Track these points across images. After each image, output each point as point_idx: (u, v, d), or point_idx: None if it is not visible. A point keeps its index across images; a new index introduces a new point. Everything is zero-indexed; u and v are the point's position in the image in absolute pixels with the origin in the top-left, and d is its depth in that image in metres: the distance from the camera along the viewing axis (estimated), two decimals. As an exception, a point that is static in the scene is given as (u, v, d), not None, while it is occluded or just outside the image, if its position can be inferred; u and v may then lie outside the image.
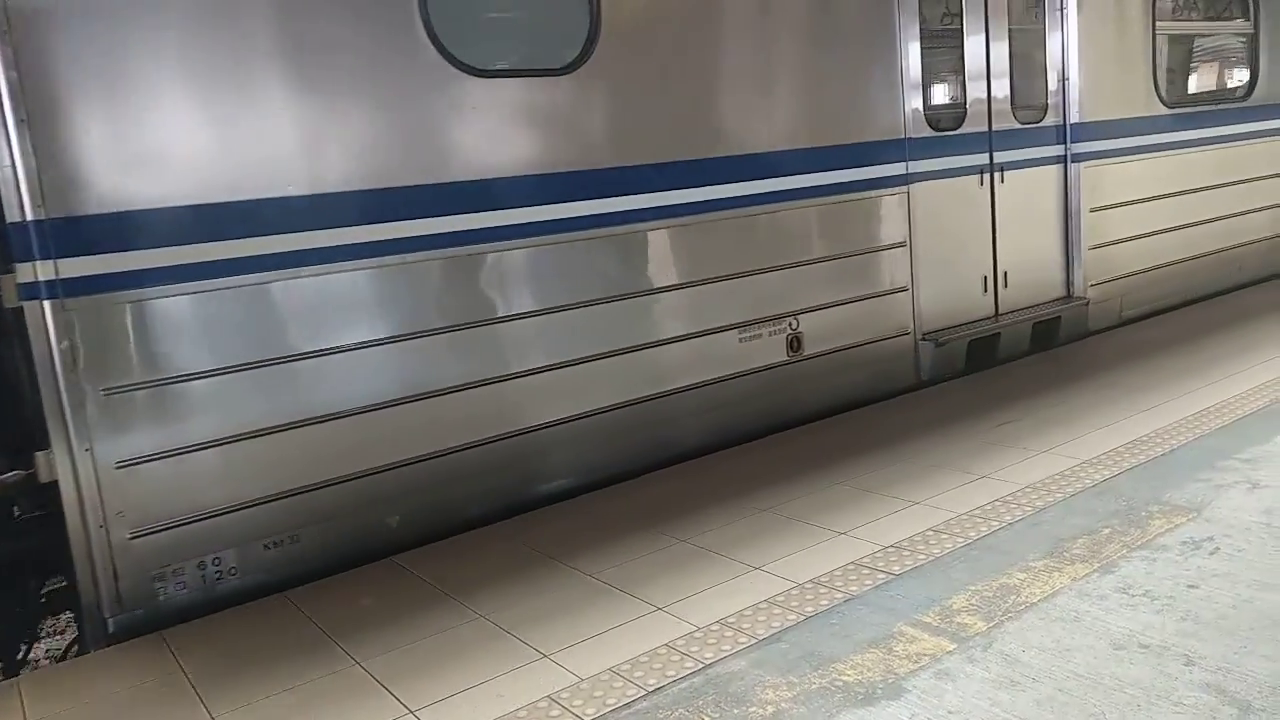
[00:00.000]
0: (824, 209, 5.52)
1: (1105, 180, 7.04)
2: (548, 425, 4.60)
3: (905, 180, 5.87)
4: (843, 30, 5.55)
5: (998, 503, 4.04)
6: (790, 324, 5.39)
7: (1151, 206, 7.40)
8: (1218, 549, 3.39)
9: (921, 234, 5.98)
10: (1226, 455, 4.29)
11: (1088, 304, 6.97)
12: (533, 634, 3.28)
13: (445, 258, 4.26)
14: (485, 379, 4.40)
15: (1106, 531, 3.63)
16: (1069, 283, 7.00)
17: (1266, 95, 8.40)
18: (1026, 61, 6.81)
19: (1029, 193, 6.69)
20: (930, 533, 3.80)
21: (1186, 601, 3.05)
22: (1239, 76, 8.46)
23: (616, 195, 4.72)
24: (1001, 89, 6.43)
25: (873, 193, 5.73)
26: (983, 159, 6.37)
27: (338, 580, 3.93)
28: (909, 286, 5.97)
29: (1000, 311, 6.58)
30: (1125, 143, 7.16)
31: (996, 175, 6.43)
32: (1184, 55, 8.60)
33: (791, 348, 5.41)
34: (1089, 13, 6.81)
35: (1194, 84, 8.84)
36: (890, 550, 3.67)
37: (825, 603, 3.29)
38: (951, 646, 2.91)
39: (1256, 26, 8.26)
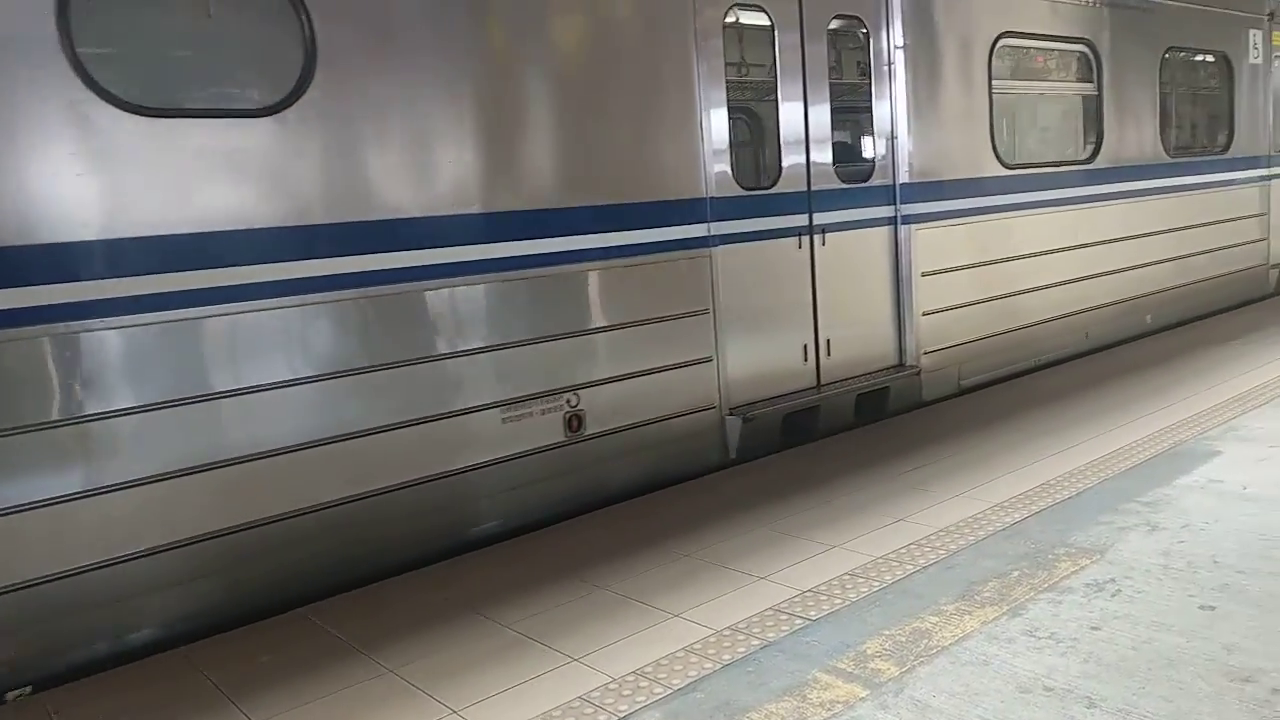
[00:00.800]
0: (603, 272, 4.97)
1: (940, 243, 6.70)
2: (182, 543, 3.80)
3: (707, 242, 5.38)
4: (627, 81, 5.03)
5: (913, 546, 4.10)
6: (569, 400, 4.82)
7: (991, 270, 7.10)
8: (1119, 591, 3.49)
9: (729, 300, 5.51)
10: (1128, 498, 4.44)
11: (919, 373, 6.59)
12: (443, 689, 3.20)
13: (75, 331, 3.50)
14: (108, 486, 3.63)
15: (1016, 574, 3.71)
16: (901, 350, 6.60)
17: (1113, 158, 8.21)
18: (851, 118, 6.62)
19: (855, 256, 6.28)
20: (847, 576, 3.83)
21: (1089, 643, 3.12)
22: (1085, 139, 8.36)
23: (332, 256, 4.07)
24: (822, 146, 6.02)
25: (665, 255, 5.20)
26: (801, 220, 5.91)
27: (240, 634, 3.78)
28: (713, 357, 5.46)
29: (823, 382, 6.13)
30: (961, 204, 6.82)
31: (817, 237, 5.99)
32: (1027, 116, 8.55)
33: (570, 427, 4.84)
34: (918, 70, 6.51)
35: (1037, 145, 8.72)
36: (808, 595, 3.69)
37: (742, 650, 3.28)
38: (864, 693, 2.93)
39: (1100, 88, 8.09)
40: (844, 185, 6.21)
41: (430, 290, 4.40)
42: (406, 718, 3.03)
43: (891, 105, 6.43)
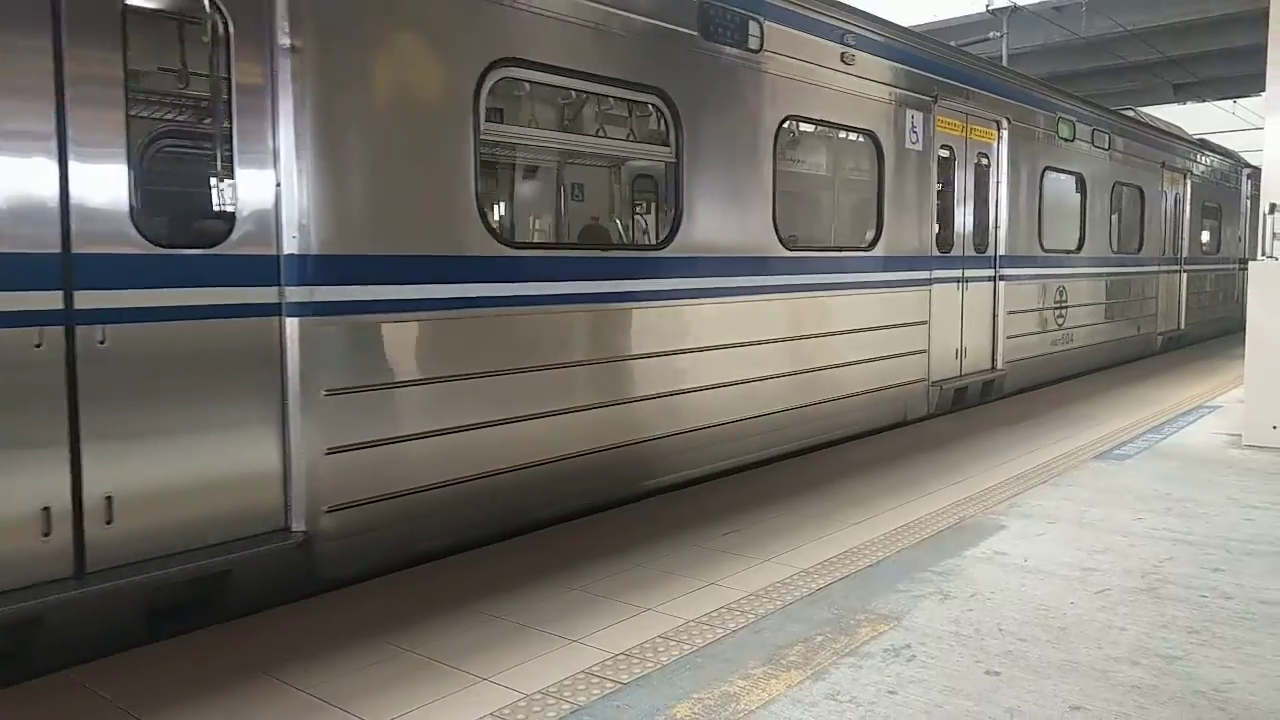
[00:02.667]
0: None
1: (372, 347, 4.58)
2: None
3: None
4: None
5: (723, 610, 4.16)
6: None
7: (473, 388, 4.95)
8: (914, 656, 3.66)
9: None
10: (923, 568, 4.68)
11: (312, 541, 4.31)
12: (228, 757, 2.95)
13: None
14: None
15: (820, 639, 3.82)
16: (287, 508, 4.30)
17: (694, 246, 6.29)
18: (200, 143, 4.53)
19: (182, 364, 3.98)
20: (659, 639, 3.84)
21: (886, 707, 3.24)
22: (659, 219, 6.48)
23: None
24: (103, 177, 3.75)
25: None
26: (47, 301, 3.62)
27: (-7, 699, 3.37)
28: None
29: (90, 568, 3.73)
30: (415, 292, 4.71)
31: (84, 329, 3.70)
32: (566, 182, 6.73)
33: None
34: (323, 87, 4.32)
35: (579, 223, 6.85)
36: (620, 658, 3.67)
37: (553, 714, 3.21)
38: (673, 758, 2.91)
39: (679, 156, 6.15)
40: (161, 250, 3.93)
41: None
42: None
43: (273, 132, 4.22)
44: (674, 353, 6.19)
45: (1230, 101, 31.37)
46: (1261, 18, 8.24)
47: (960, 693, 3.35)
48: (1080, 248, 12.22)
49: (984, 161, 10.09)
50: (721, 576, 4.59)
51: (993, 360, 10.22)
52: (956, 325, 9.47)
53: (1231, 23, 23.55)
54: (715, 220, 6.50)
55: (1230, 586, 4.41)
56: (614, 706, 3.26)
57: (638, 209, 7.18)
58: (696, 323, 6.38)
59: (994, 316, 10.20)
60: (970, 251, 9.84)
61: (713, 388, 6.48)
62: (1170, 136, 15.93)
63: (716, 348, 6.52)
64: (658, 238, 6.39)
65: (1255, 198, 19.79)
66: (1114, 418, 9.12)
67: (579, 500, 5.67)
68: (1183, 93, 30.64)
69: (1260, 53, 8.35)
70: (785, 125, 7.13)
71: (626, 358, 5.89)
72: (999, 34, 21.85)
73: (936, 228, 9.02)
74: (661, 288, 6.10)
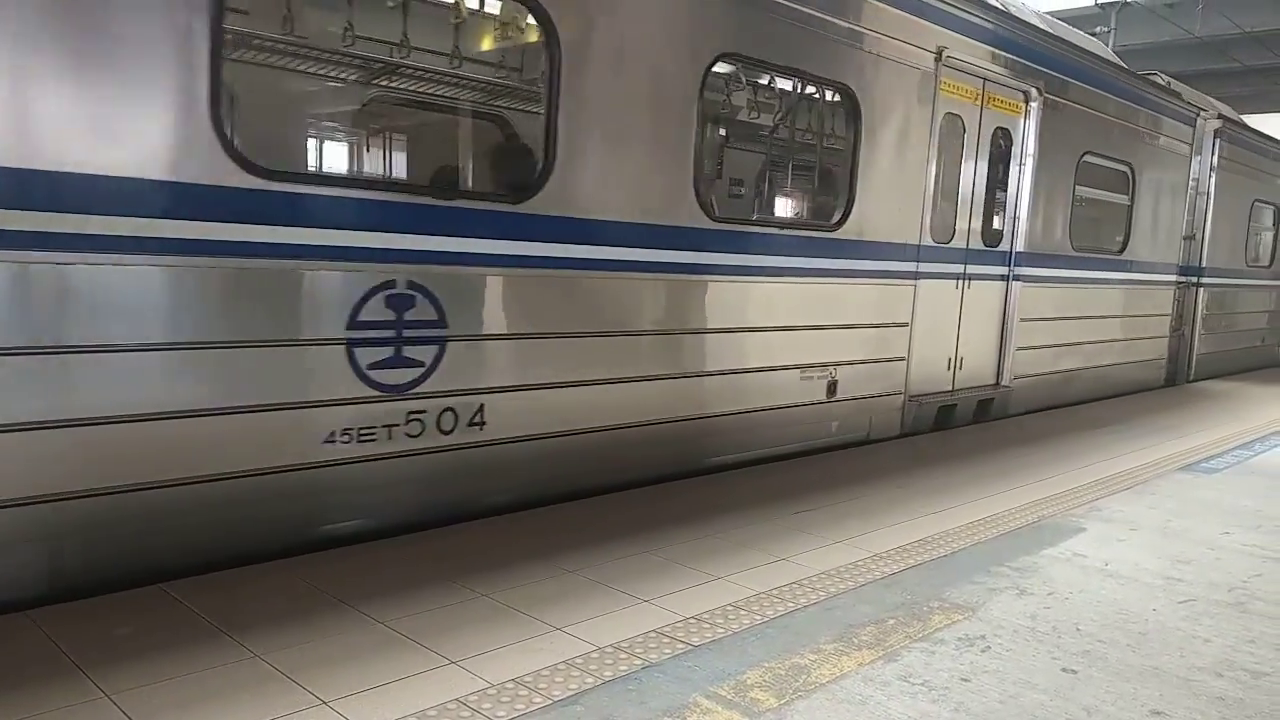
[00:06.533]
0: None
1: None
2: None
3: None
4: None
5: (794, 585, 4.16)
6: None
7: None
8: (989, 647, 3.62)
9: None
10: (999, 562, 4.61)
11: None
12: (313, 679, 3.05)
13: None
14: None
15: (892, 622, 3.80)
16: None
17: None
18: None
19: None
20: (730, 608, 3.86)
21: (959, 693, 3.22)
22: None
23: None
24: None
25: None
26: None
27: (93, 604, 3.54)
28: None
29: None
30: None
31: None
32: None
33: None
34: None
35: None
36: (691, 621, 3.69)
37: (624, 668, 3.26)
38: (743, 721, 2.94)
39: None
40: None
41: None
42: (273, 705, 2.87)
43: None
44: None
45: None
46: None
47: (1036, 687, 3.30)
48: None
49: None
50: (793, 553, 4.58)
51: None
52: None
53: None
54: None
55: (1323, 609, 4.26)
56: (685, 666, 3.29)
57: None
58: None
59: None
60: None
61: None
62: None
63: None
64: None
65: None
66: (1199, 431, 8.83)
67: None
68: (1306, 102, 29.12)
69: None
70: None
71: None
72: (1107, 29, 21.08)
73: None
74: None
